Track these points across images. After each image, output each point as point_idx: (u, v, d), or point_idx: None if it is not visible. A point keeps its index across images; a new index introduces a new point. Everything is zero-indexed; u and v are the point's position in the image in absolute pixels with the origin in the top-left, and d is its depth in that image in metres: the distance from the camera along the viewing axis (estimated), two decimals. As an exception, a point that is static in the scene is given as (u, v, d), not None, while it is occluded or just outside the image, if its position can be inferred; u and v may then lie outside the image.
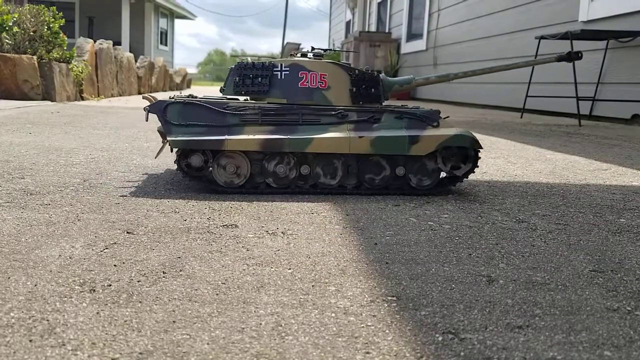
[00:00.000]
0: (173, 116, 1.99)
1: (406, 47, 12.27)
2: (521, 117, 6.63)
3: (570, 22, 6.42)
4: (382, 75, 2.26)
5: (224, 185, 2.03)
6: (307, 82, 2.12)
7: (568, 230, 1.70)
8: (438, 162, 2.10)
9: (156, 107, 2.00)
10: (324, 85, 2.13)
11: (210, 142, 1.96)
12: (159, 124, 2.12)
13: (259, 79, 2.13)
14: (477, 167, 2.15)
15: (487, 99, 8.62)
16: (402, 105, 2.22)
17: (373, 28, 15.23)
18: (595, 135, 4.72)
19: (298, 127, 2.03)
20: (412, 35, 12.16)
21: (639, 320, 1.05)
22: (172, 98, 2.05)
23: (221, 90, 2.24)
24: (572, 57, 2.58)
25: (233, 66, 2.19)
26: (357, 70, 2.19)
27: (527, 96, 6.56)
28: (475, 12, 8.96)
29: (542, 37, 6.18)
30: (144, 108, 2.05)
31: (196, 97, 2.11)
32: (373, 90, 2.20)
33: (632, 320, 1.05)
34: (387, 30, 13.80)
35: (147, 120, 2.16)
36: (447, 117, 2.17)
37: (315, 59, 2.20)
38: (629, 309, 1.10)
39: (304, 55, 2.24)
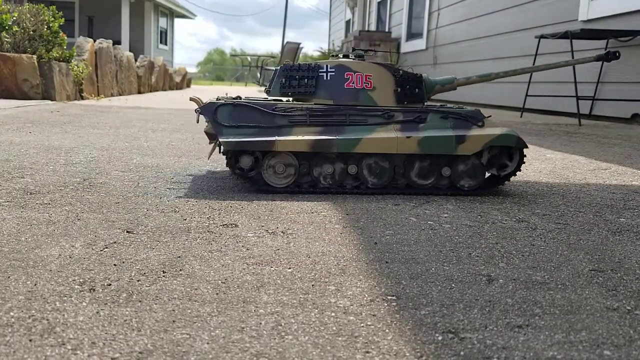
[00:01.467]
0: (224, 118, 2.02)
1: (406, 47, 12.27)
2: (521, 117, 6.63)
3: (570, 22, 6.41)
4: (424, 76, 2.29)
5: (273, 185, 2.05)
6: (353, 83, 2.15)
7: (568, 230, 1.70)
8: (483, 162, 2.12)
9: (207, 109, 2.03)
10: (369, 86, 2.16)
11: (261, 143, 1.99)
12: (205, 125, 2.16)
13: (305, 80, 2.16)
14: (524, 163, 2.17)
15: (486, 98, 8.62)
16: (440, 105, 2.25)
17: (373, 27, 15.22)
18: (595, 134, 4.73)
19: (345, 128, 2.05)
20: (411, 35, 12.15)
21: (639, 320, 1.05)
22: (220, 99, 2.09)
23: (266, 92, 2.27)
24: (610, 57, 2.59)
25: (279, 67, 2.23)
26: (401, 71, 2.22)
27: (526, 95, 6.56)
28: (475, 12, 8.96)
29: (541, 37, 6.18)
30: (195, 110, 2.08)
31: (243, 98, 2.14)
32: (417, 90, 2.22)
33: (631, 320, 1.05)
34: (386, 30, 13.80)
35: (197, 122, 2.18)
36: (489, 116, 2.19)
37: (359, 60, 2.23)
38: (628, 308, 1.11)
39: (345, 56, 2.27)
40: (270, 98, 2.27)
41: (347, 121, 2.06)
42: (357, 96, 2.14)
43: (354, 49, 2.28)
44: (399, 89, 2.19)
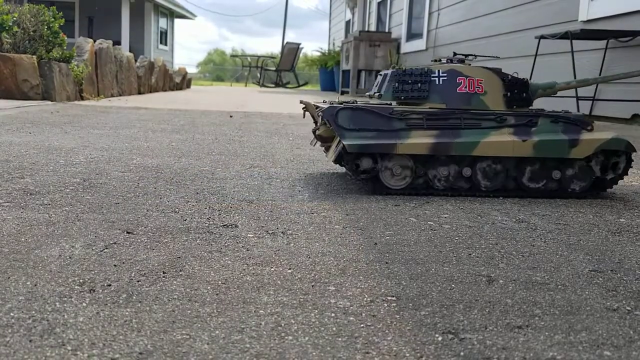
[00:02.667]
0: (344, 121, 2.07)
1: (406, 47, 12.27)
2: (521, 117, 6.63)
3: (570, 22, 6.42)
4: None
5: (391, 187, 2.09)
6: (465, 87, 2.19)
7: (568, 230, 1.70)
8: (592, 166, 2.15)
9: (328, 113, 2.09)
10: (481, 90, 2.19)
11: (384, 145, 2.04)
12: (312, 125, 2.24)
13: (419, 84, 2.20)
14: (631, 167, 2.20)
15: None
16: (538, 110, 2.29)
17: (373, 28, 15.22)
18: (595, 135, 4.72)
19: (461, 131, 2.09)
20: (412, 35, 12.15)
21: (639, 320, 1.05)
22: (338, 103, 2.13)
23: (376, 96, 2.29)
24: None
25: (389, 72, 2.27)
26: (509, 76, 2.25)
27: (527, 96, 6.56)
28: (475, 12, 8.97)
29: (541, 37, 6.18)
30: (318, 114, 2.14)
31: (357, 102, 2.18)
32: (524, 94, 2.26)
33: (631, 320, 1.05)
34: (386, 30, 13.80)
35: (316, 125, 2.26)
36: (593, 121, 2.23)
37: (465, 64, 2.26)
38: (628, 308, 1.11)
39: (450, 61, 2.30)
40: (372, 102, 2.28)
41: (462, 125, 2.10)
42: (470, 100, 2.18)
43: (455, 54, 2.32)
44: (508, 94, 2.23)
